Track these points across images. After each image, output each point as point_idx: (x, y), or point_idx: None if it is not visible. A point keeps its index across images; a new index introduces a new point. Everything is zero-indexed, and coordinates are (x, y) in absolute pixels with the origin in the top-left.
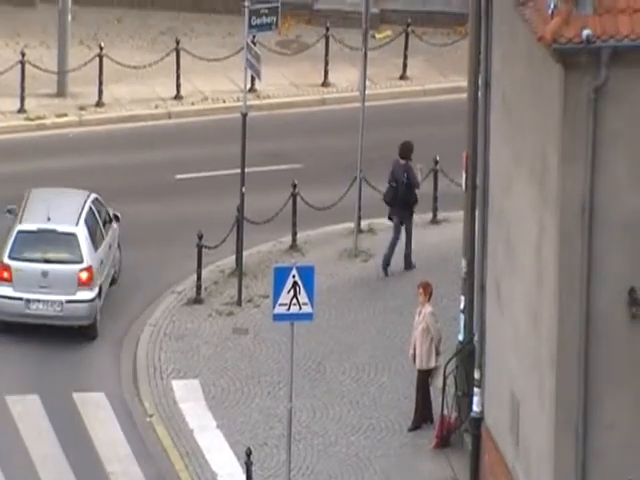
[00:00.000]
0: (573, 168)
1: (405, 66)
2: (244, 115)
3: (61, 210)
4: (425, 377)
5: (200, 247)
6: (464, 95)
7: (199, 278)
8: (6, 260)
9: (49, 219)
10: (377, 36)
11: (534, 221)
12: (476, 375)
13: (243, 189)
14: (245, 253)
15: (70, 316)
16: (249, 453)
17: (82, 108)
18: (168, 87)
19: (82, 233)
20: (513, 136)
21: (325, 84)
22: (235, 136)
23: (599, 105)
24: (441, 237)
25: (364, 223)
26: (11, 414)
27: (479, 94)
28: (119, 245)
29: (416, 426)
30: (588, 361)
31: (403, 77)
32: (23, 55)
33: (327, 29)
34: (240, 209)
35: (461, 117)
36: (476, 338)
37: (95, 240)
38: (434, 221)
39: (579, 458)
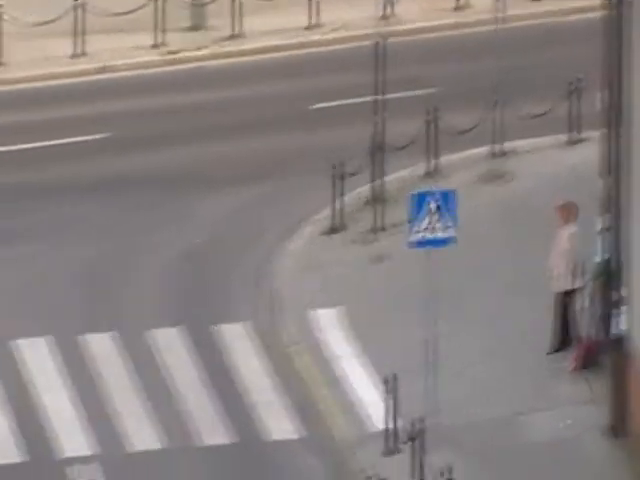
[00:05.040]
0: None
1: None
2: (379, 42)
3: None
4: (564, 299)
5: (338, 175)
6: (600, 14)
7: (337, 207)
8: None
9: None
10: None
11: None
12: (622, 293)
13: (385, 114)
14: (384, 180)
15: None
16: (390, 380)
17: (219, 40)
18: (303, 17)
19: None
20: None
21: (458, 7)
22: (370, 63)
23: None
24: (579, 157)
25: (505, 145)
26: (152, 347)
27: (618, 10)
28: None
29: (555, 349)
30: None
31: None
32: None
33: None
34: (377, 136)
35: (598, 35)
36: (621, 256)
37: None
38: (572, 141)
39: None
